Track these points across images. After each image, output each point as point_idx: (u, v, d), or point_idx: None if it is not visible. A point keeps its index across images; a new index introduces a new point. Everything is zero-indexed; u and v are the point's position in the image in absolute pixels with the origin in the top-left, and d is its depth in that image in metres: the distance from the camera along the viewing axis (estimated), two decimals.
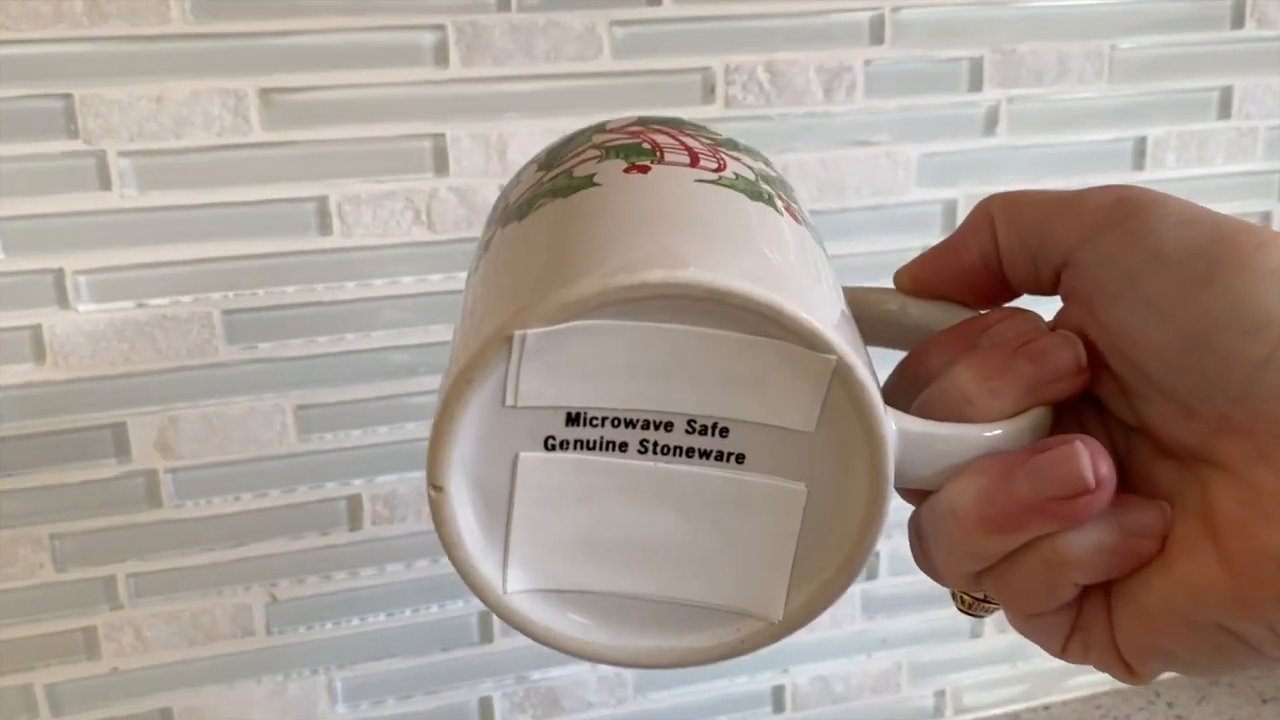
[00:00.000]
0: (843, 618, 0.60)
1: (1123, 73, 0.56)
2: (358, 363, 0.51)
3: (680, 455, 0.20)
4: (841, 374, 0.19)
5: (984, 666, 0.64)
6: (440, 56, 0.47)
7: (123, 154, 0.46)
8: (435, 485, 0.20)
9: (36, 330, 0.46)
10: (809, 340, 0.19)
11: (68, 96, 0.44)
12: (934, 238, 0.55)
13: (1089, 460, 0.19)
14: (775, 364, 0.19)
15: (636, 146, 0.23)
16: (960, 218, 0.55)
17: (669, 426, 0.20)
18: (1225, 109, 0.58)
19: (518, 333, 0.19)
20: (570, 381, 0.19)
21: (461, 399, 0.19)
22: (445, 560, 0.56)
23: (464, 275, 0.50)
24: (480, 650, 0.56)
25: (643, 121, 0.26)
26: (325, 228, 0.49)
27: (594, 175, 0.22)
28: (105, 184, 0.46)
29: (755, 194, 0.23)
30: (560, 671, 0.57)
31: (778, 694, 0.61)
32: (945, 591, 0.64)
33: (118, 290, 0.47)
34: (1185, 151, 0.58)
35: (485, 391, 0.19)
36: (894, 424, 0.20)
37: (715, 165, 0.23)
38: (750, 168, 0.24)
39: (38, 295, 0.46)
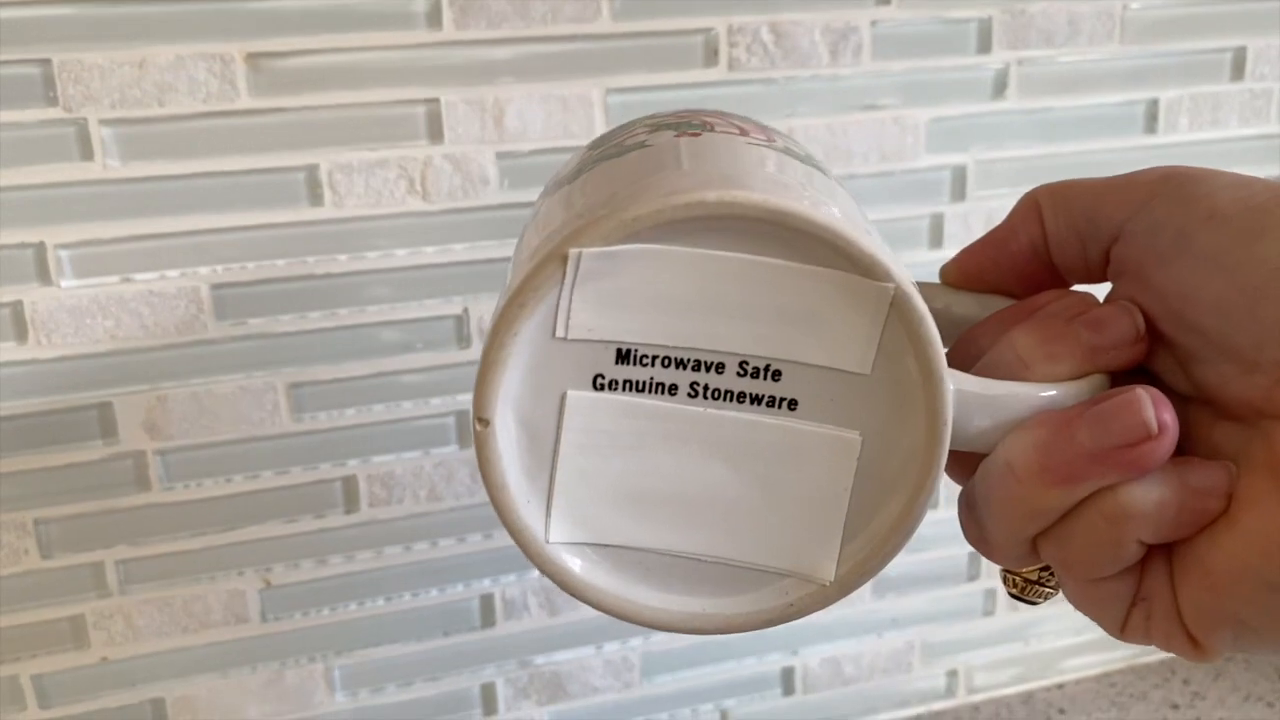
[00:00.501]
0: (853, 597, 0.58)
1: (1134, 33, 0.54)
2: (351, 338, 0.49)
3: (731, 400, 0.20)
4: (899, 305, 0.19)
5: (997, 645, 0.63)
6: (434, 19, 0.46)
7: (104, 122, 0.44)
8: (481, 418, 0.19)
9: (17, 307, 0.45)
10: (867, 267, 0.18)
11: (46, 62, 0.43)
12: (943, 205, 0.55)
13: (1151, 406, 0.19)
14: (831, 296, 0.19)
15: (687, 122, 0.23)
16: (970, 184, 0.54)
17: (720, 368, 0.20)
18: (1239, 71, 0.57)
19: (573, 251, 0.18)
20: (623, 313, 0.19)
21: (512, 326, 0.19)
22: (445, 543, 0.55)
23: (461, 247, 0.49)
24: (482, 635, 0.54)
25: (691, 110, 0.25)
26: (316, 198, 0.47)
27: (645, 141, 0.22)
28: (87, 154, 0.44)
29: (808, 160, 0.22)
30: (565, 655, 0.56)
31: (787, 676, 0.60)
32: (957, 569, 0.63)
33: (102, 265, 0.45)
34: (1198, 114, 0.57)
35: (536, 319, 0.19)
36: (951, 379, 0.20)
37: (765, 139, 0.23)
38: (802, 149, 0.24)
39: (18, 270, 0.45)
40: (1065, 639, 0.63)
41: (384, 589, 0.52)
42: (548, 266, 0.18)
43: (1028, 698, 0.64)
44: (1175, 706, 0.62)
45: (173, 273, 0.46)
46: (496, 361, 0.19)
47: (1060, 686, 0.65)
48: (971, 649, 0.62)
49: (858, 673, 0.61)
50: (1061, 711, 0.63)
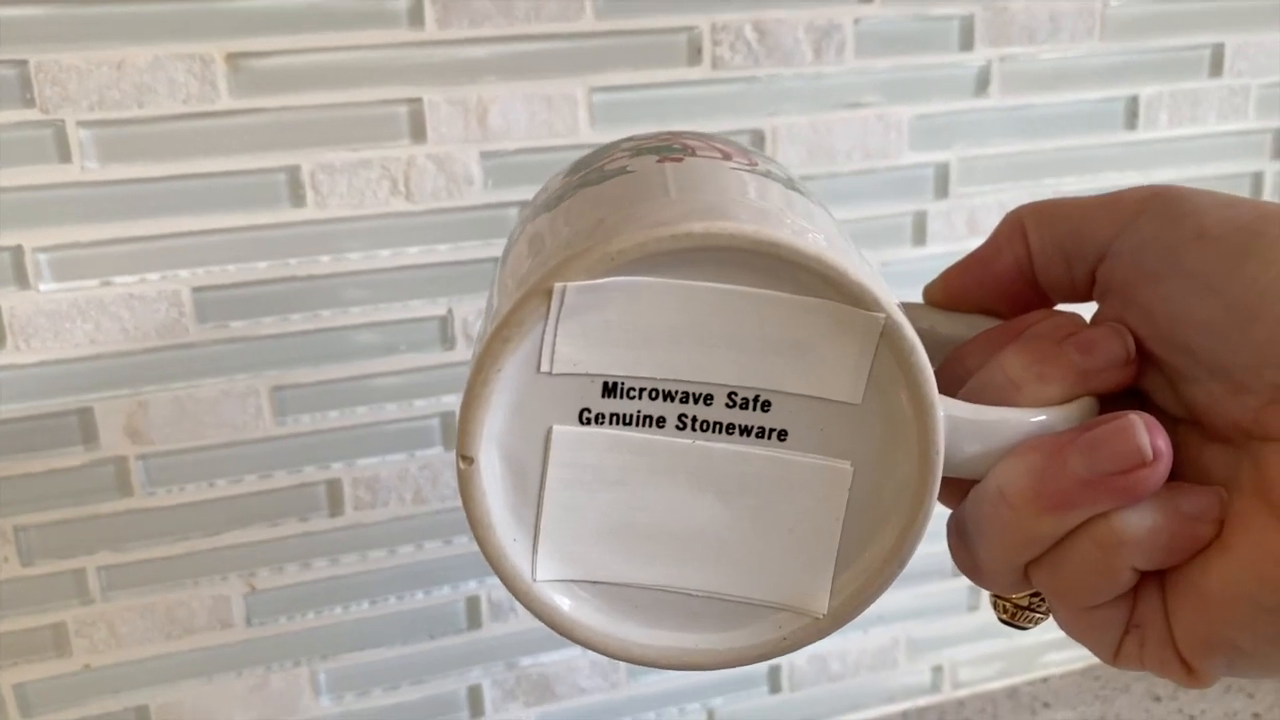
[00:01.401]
0: None
1: (1114, 30, 0.55)
2: (334, 341, 0.49)
3: (720, 432, 0.19)
4: (889, 334, 0.18)
5: (981, 640, 0.63)
6: (415, 17, 0.46)
7: (82, 124, 0.44)
8: (465, 456, 0.19)
9: None
10: (856, 297, 0.18)
11: (22, 63, 0.42)
12: (926, 202, 0.55)
13: (1146, 432, 0.19)
14: (819, 326, 0.18)
15: (668, 145, 0.23)
16: (953, 181, 0.55)
17: (709, 400, 0.19)
18: (1217, 67, 0.57)
19: (557, 285, 0.18)
20: (608, 347, 0.19)
21: (496, 361, 0.18)
22: (430, 545, 0.54)
23: (445, 247, 0.49)
24: (468, 637, 0.54)
25: (671, 133, 0.25)
26: (298, 199, 0.47)
27: (626, 166, 0.22)
28: (65, 156, 0.44)
29: (789, 184, 0.22)
30: (552, 657, 0.56)
31: (774, 673, 0.60)
32: (941, 566, 0.64)
33: (81, 268, 0.45)
34: (1177, 110, 0.57)
35: (521, 354, 0.18)
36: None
37: (747, 162, 0.22)
38: (783, 171, 0.24)
39: None
40: (1049, 633, 0.63)
41: (369, 592, 0.52)
42: (531, 301, 0.18)
43: (1012, 692, 0.64)
44: (1157, 699, 0.63)
45: (153, 276, 0.46)
46: (480, 397, 0.19)
47: (1044, 680, 0.65)
48: (956, 644, 0.63)
49: (844, 669, 0.61)
50: (1046, 705, 0.64)
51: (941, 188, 0.55)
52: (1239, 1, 0.56)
